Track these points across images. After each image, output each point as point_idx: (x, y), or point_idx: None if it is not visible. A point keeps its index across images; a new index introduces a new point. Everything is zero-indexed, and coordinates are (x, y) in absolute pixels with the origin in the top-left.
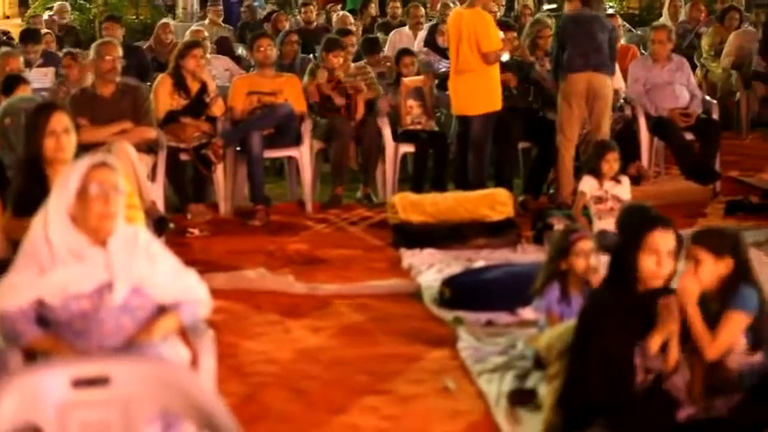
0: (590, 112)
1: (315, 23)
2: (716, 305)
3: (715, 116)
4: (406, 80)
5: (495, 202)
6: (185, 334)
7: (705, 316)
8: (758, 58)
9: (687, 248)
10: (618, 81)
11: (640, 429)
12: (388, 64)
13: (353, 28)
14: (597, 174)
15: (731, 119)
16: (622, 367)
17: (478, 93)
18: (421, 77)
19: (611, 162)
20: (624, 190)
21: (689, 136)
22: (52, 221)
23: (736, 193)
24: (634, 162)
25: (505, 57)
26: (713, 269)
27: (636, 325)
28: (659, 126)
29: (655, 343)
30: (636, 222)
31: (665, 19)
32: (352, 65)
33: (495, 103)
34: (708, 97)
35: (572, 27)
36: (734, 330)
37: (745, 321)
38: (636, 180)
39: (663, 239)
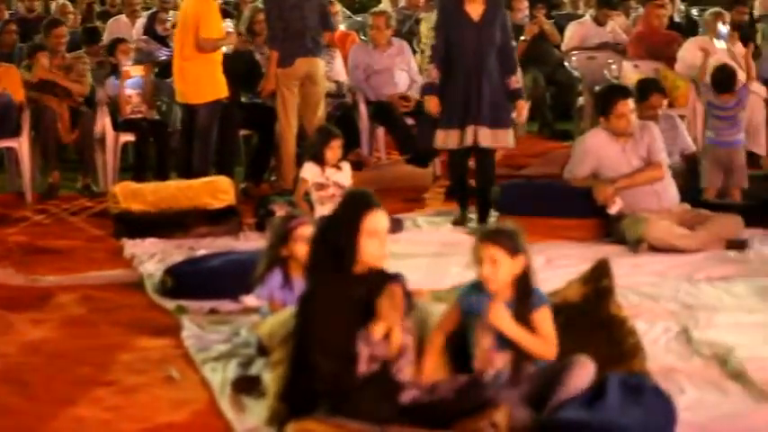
0: (305, 96)
1: (36, 12)
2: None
3: None
4: (124, 69)
5: (217, 190)
6: None
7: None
8: None
9: (476, 249)
10: (343, 73)
11: (363, 413)
12: (105, 54)
13: (72, 17)
14: (320, 160)
15: None
16: (344, 353)
17: (204, 81)
18: (140, 66)
19: (335, 148)
20: (345, 176)
21: (409, 121)
22: None
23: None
24: (354, 149)
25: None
26: (510, 269)
27: (357, 311)
28: (379, 111)
29: (378, 330)
30: (353, 206)
31: (384, 5)
32: (68, 55)
33: (220, 91)
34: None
35: (284, 12)
36: (551, 324)
37: (549, 313)
38: (357, 166)
39: (381, 219)
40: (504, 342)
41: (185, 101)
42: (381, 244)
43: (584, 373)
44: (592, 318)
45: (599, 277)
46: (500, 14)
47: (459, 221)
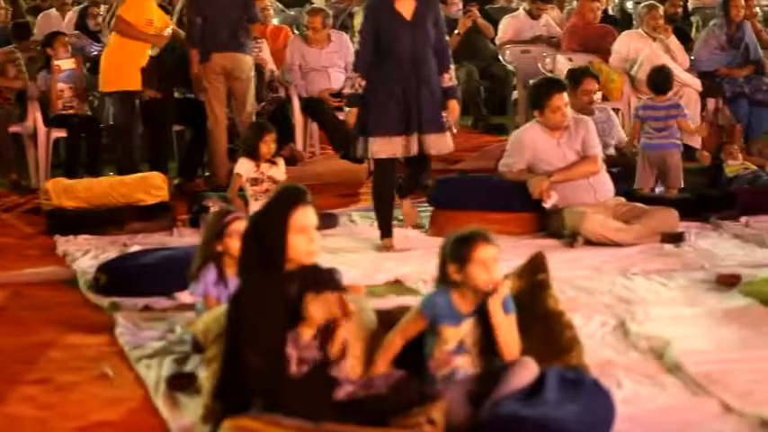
0: (232, 92)
1: None
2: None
3: None
4: (55, 63)
5: (150, 186)
6: None
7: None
8: None
9: (477, 251)
10: (270, 62)
11: (298, 409)
12: (39, 48)
13: (2, 12)
14: (254, 155)
15: None
16: (274, 352)
17: (109, 69)
18: (72, 60)
19: (269, 143)
20: (280, 171)
21: (342, 115)
22: None
23: None
24: (287, 144)
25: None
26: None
27: (287, 309)
28: (311, 107)
29: (306, 333)
30: (281, 203)
31: (318, 0)
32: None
33: (126, 83)
34: None
35: (205, 5)
36: (516, 331)
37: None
38: (291, 161)
39: (308, 215)
40: (462, 348)
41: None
42: (310, 240)
43: (525, 372)
44: (529, 312)
45: (535, 271)
46: (433, 10)
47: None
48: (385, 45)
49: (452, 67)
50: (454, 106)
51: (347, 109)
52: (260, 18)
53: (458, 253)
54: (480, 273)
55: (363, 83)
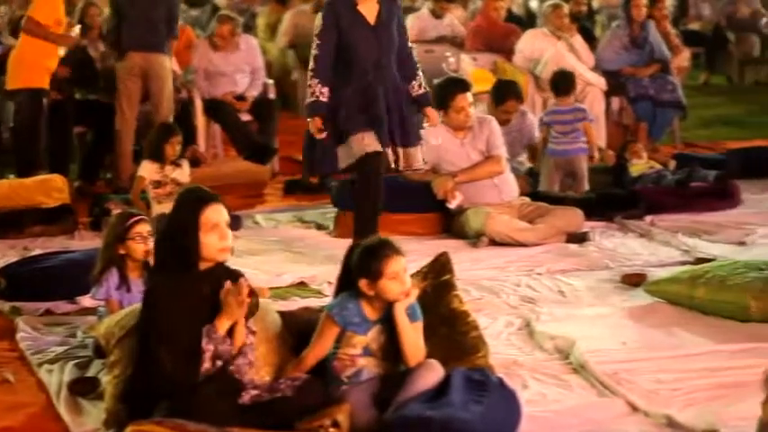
0: (148, 92)
1: None
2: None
3: (271, 96)
4: None
5: (51, 189)
6: None
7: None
8: None
9: (391, 264)
10: (175, 63)
11: (203, 413)
12: None
13: None
14: (159, 157)
15: (289, 99)
16: (189, 352)
17: (13, 66)
18: None
19: (175, 145)
20: (184, 173)
21: (245, 117)
22: None
23: (294, 172)
24: (190, 146)
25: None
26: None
27: (203, 307)
28: (214, 108)
29: (222, 327)
30: (190, 202)
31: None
32: None
33: (26, 80)
34: (265, 77)
35: (127, 4)
36: (422, 338)
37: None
38: (194, 163)
39: (218, 212)
40: (367, 350)
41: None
42: (222, 237)
43: (430, 374)
44: (433, 313)
45: (439, 272)
46: (397, 14)
47: None
48: (345, 50)
49: (420, 74)
50: (432, 113)
51: (310, 119)
52: (177, 35)
53: (368, 268)
54: (393, 286)
55: (325, 90)
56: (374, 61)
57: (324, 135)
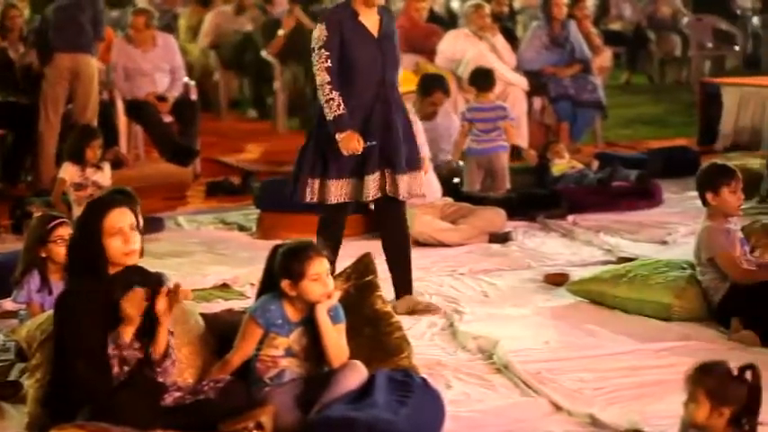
0: (74, 94)
1: None
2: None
3: (193, 97)
4: None
5: None
6: None
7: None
8: None
9: (315, 265)
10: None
11: (125, 416)
12: None
13: None
14: (80, 160)
15: (210, 100)
16: (99, 357)
17: None
18: None
19: (96, 148)
20: (104, 176)
21: (167, 118)
22: None
23: (216, 174)
24: (112, 147)
25: None
26: None
27: (111, 312)
28: (135, 110)
29: (125, 333)
30: (93, 208)
31: (142, 1)
32: None
33: None
34: (187, 78)
35: (55, 7)
36: (345, 340)
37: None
38: (116, 165)
39: (121, 217)
40: (289, 351)
41: None
42: (126, 241)
43: (354, 375)
44: (357, 314)
45: (363, 273)
46: (394, 25)
47: None
48: (346, 65)
49: None
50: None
51: (340, 135)
52: (103, 37)
53: (291, 269)
54: (315, 288)
55: (342, 102)
56: (378, 78)
57: (361, 149)
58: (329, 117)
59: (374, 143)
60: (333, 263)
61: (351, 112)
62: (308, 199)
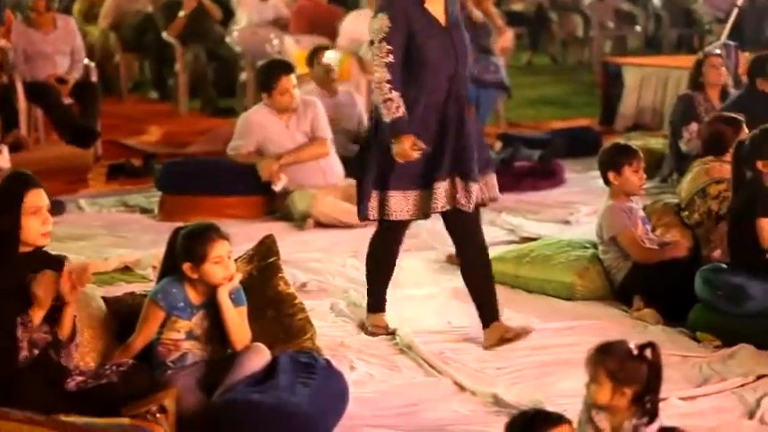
0: None
1: None
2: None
3: (94, 79)
4: None
5: None
6: None
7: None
8: None
9: (217, 247)
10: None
11: (28, 401)
12: None
13: None
14: None
15: (111, 82)
16: (6, 338)
17: None
18: None
19: None
20: (3, 159)
21: (68, 100)
22: None
23: (118, 156)
24: (12, 130)
25: None
26: None
27: (20, 294)
28: (35, 92)
29: (35, 316)
30: (13, 186)
31: None
32: None
33: None
34: (87, 60)
35: None
36: (246, 321)
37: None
38: (16, 148)
39: (40, 197)
40: (191, 335)
41: None
42: (44, 221)
43: (257, 358)
44: (260, 296)
45: (265, 255)
46: (457, 10)
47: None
48: (414, 60)
49: None
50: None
51: (396, 141)
52: (3, 21)
53: (192, 252)
54: (217, 270)
55: (401, 103)
56: (450, 72)
57: (419, 154)
58: (386, 119)
59: (428, 149)
60: (386, 285)
61: (423, 113)
62: (370, 216)
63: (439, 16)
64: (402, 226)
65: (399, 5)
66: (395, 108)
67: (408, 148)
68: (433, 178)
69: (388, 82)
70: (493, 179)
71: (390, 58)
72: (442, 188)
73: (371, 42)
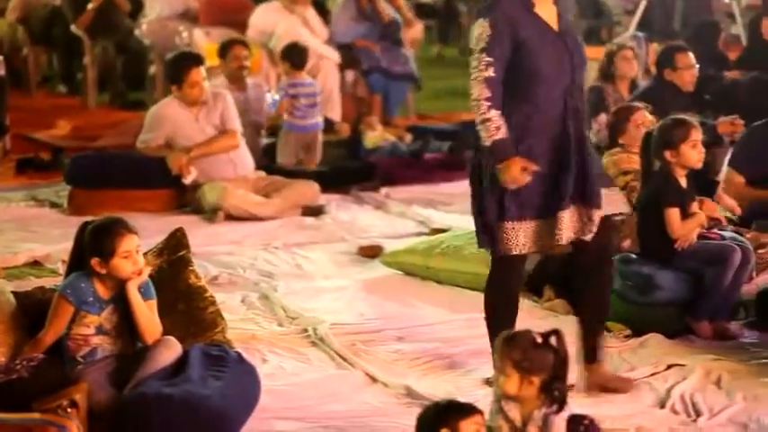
0: None
1: None
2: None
3: (1, 72)
4: None
5: None
6: None
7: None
8: None
9: (126, 242)
10: None
11: None
12: None
13: None
14: None
15: (19, 75)
16: None
17: None
18: None
19: None
20: None
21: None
22: None
23: (26, 150)
24: None
25: None
26: None
27: None
28: None
29: None
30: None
31: None
32: None
33: None
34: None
35: None
36: (156, 315)
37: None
38: None
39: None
40: (101, 329)
41: None
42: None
43: (168, 352)
44: (170, 289)
45: (175, 248)
46: (568, 13)
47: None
48: (524, 71)
49: None
50: None
51: (501, 165)
52: None
53: (100, 247)
54: (125, 265)
55: (503, 122)
56: (566, 84)
57: (528, 179)
58: (486, 142)
59: (541, 169)
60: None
61: (537, 133)
62: (486, 248)
63: (551, 21)
64: (522, 260)
65: (503, 10)
66: (494, 129)
67: (517, 172)
68: (557, 206)
69: (487, 100)
70: (610, 195)
71: (490, 72)
72: (567, 217)
73: (470, 52)
